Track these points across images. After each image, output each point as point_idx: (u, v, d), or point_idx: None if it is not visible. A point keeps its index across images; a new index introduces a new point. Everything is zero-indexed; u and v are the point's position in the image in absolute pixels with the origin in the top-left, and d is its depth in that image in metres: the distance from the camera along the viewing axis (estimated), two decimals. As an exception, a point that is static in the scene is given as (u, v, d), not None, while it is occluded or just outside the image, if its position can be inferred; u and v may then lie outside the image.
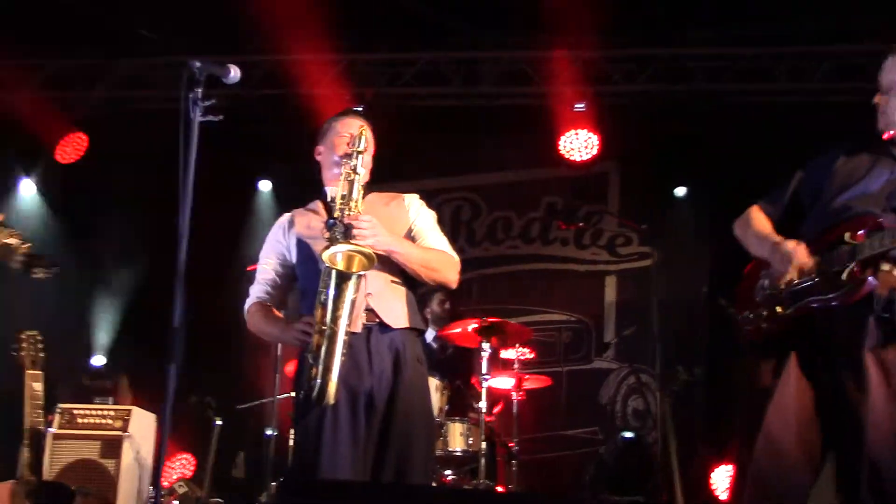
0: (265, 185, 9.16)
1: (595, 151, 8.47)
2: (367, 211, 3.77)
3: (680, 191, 8.65)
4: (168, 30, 8.57)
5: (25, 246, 3.94)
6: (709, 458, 7.47)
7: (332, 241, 3.59)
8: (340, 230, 3.60)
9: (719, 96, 8.05)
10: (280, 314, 3.98)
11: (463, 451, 6.11)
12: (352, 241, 3.58)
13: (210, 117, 3.63)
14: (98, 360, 8.60)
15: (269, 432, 6.54)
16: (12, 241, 3.92)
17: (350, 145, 3.84)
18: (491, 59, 8.50)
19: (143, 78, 8.75)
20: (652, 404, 7.87)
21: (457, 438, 6.12)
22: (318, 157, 4.09)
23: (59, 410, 6.09)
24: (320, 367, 3.54)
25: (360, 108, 4.26)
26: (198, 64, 3.67)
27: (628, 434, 7.57)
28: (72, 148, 8.56)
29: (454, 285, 3.99)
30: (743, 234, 3.73)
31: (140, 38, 8.62)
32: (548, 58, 8.25)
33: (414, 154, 8.53)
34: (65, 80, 8.78)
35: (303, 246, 3.92)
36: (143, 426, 6.09)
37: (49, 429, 5.82)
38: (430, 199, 4.23)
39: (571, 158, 8.52)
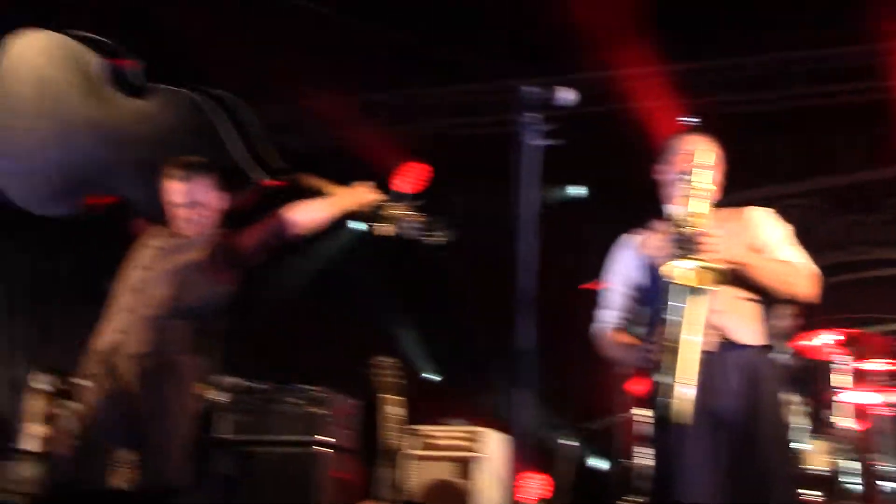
0: (578, 199, 9.02)
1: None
2: (713, 227, 3.67)
3: None
4: (493, 55, 8.84)
5: (416, 215, 4.15)
6: None
7: (678, 257, 3.53)
8: (687, 246, 3.53)
9: None
10: (630, 337, 3.95)
11: (822, 470, 5.80)
12: (700, 257, 3.50)
13: (545, 141, 3.65)
14: (439, 379, 8.91)
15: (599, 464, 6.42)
16: (405, 212, 4.14)
17: (691, 162, 3.77)
18: (824, 57, 8.08)
19: (472, 105, 9.07)
20: None
21: (816, 457, 5.83)
22: (659, 176, 4.03)
23: (413, 433, 6.36)
24: (673, 388, 3.48)
25: (697, 121, 4.15)
26: (531, 89, 3.71)
27: None
28: (412, 178, 8.95)
29: (814, 299, 3.81)
30: None
31: (468, 66, 8.96)
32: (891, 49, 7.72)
33: (748, 161, 8.22)
34: (400, 111, 9.28)
35: (647, 265, 3.88)
36: (496, 447, 6.23)
37: (405, 450, 6.09)
38: (767, 206, 4.06)
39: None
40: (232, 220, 4.61)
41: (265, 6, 8.34)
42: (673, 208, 3.88)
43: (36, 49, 4.67)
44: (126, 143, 4.63)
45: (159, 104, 4.58)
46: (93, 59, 4.60)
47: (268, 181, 4.57)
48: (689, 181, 3.71)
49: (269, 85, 9.10)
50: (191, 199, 4.33)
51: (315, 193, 4.45)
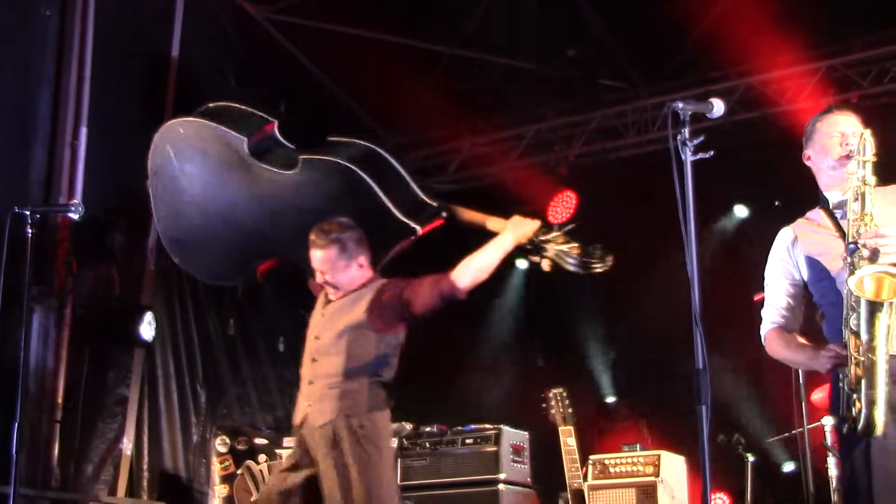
0: (741, 211, 8.93)
1: None
2: (880, 216, 3.48)
3: None
4: (631, 77, 8.86)
5: (576, 245, 4.13)
6: None
7: (855, 266, 3.40)
8: (864, 254, 3.39)
9: None
10: (802, 339, 3.81)
11: None
12: (880, 263, 3.35)
13: (700, 155, 3.63)
14: (613, 401, 8.89)
15: (788, 468, 6.31)
16: (562, 245, 4.13)
17: (843, 145, 3.65)
18: None
19: (615, 128, 9.09)
20: None
21: None
22: (808, 162, 3.84)
23: (591, 462, 6.37)
24: (863, 399, 3.36)
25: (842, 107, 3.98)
26: (681, 105, 3.67)
27: None
28: (562, 207, 9.03)
29: None
30: None
31: (605, 89, 8.99)
32: None
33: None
34: (544, 142, 9.37)
35: (813, 263, 3.69)
36: (673, 470, 6.20)
37: (585, 481, 6.11)
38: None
39: None
40: (395, 265, 4.76)
41: (402, 52, 8.58)
42: (829, 195, 3.73)
43: (190, 137, 4.98)
44: (287, 212, 4.82)
45: (309, 174, 4.72)
46: (239, 138, 4.82)
47: (427, 225, 4.65)
48: (849, 173, 3.56)
49: (416, 128, 9.39)
50: (326, 266, 4.45)
51: (472, 227, 4.50)
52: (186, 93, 7.65)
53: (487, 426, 6.39)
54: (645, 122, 8.91)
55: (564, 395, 5.53)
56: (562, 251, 4.12)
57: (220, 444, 7.16)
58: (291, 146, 4.83)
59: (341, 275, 4.49)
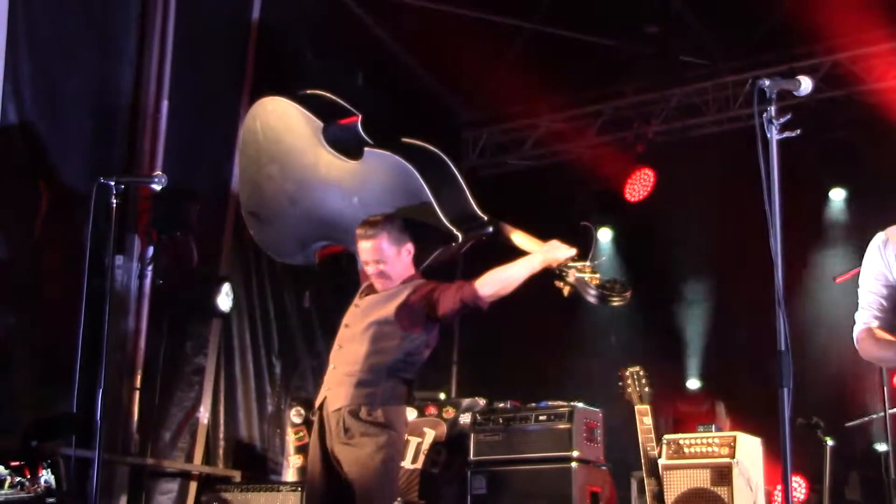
0: (837, 195, 8.64)
1: None
2: None
3: None
4: (712, 53, 8.74)
5: (597, 277, 4.22)
6: None
7: None
8: None
9: None
10: (892, 337, 3.78)
11: None
12: None
13: (787, 134, 3.58)
14: (692, 385, 8.83)
15: (881, 448, 6.25)
16: (585, 274, 4.22)
17: None
18: None
19: (695, 105, 8.98)
20: None
21: None
22: None
23: (665, 441, 6.34)
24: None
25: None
26: (767, 81, 3.62)
27: None
28: (639, 184, 8.96)
29: None
30: None
31: (685, 66, 8.88)
32: None
33: None
34: (622, 119, 9.30)
35: None
36: (749, 452, 6.14)
37: (659, 459, 6.08)
38: None
39: None
40: (434, 273, 4.82)
41: (481, 27, 8.57)
42: None
43: (276, 115, 5.22)
44: (345, 200, 4.97)
45: (375, 166, 4.85)
46: (318, 124, 5.04)
47: (472, 236, 4.72)
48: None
49: (494, 104, 9.39)
50: (378, 255, 4.53)
51: (511, 248, 4.58)
52: (266, 65, 7.73)
53: (561, 403, 6.39)
54: (726, 98, 8.79)
55: (641, 373, 5.50)
56: (583, 280, 4.20)
57: (295, 414, 7.25)
58: (367, 140, 4.95)
59: (394, 263, 4.59)
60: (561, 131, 9.57)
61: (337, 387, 4.52)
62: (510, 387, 7.56)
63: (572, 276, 4.26)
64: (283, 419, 7.68)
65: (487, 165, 9.90)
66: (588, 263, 4.30)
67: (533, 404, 6.55)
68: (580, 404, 6.36)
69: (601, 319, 8.86)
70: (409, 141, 4.89)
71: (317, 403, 4.63)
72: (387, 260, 4.56)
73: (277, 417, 7.90)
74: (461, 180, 4.85)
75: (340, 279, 6.94)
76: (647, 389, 5.46)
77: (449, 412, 6.80)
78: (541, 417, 6.40)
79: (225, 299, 6.86)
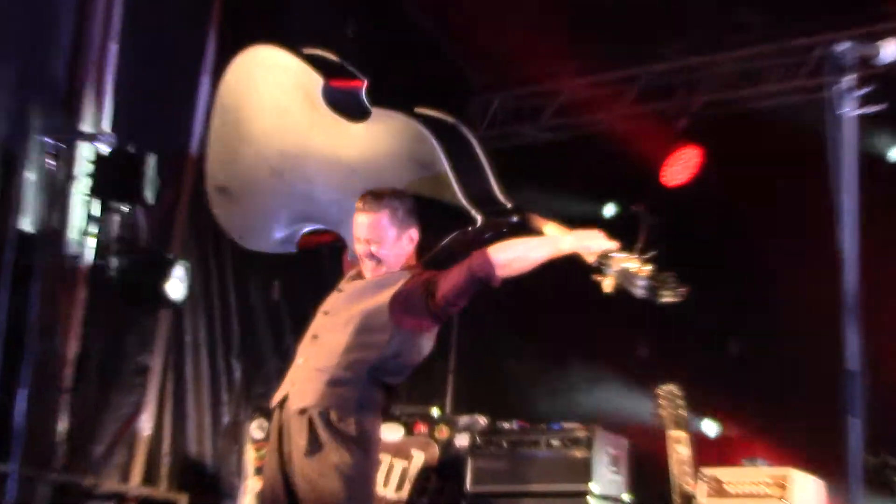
0: None
1: None
2: None
3: None
4: (776, 9, 8.70)
5: (647, 269, 4.19)
6: None
7: None
8: None
9: None
10: None
11: None
12: None
13: (867, 109, 3.55)
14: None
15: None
16: (631, 264, 4.20)
17: None
18: None
19: (752, 71, 8.95)
20: None
21: None
22: None
23: (703, 477, 6.31)
24: None
25: None
26: (844, 46, 3.59)
27: None
28: (682, 166, 8.92)
29: None
30: None
31: (742, 24, 8.84)
32: None
33: None
34: (662, 87, 9.27)
35: None
36: (807, 493, 6.11)
37: (696, 498, 6.05)
38: None
39: None
40: (439, 263, 4.75)
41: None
42: None
43: (264, 69, 5.17)
44: (340, 172, 4.95)
45: (380, 129, 4.83)
46: (318, 81, 4.98)
47: (494, 223, 4.71)
48: None
49: (508, 65, 9.35)
50: (374, 234, 4.52)
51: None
52: (236, 4, 7.69)
53: (578, 425, 6.38)
54: (792, 65, 8.76)
55: (678, 393, 5.48)
56: (629, 272, 4.16)
57: (257, 428, 7.25)
58: (371, 107, 4.92)
59: (390, 246, 4.56)
60: (587, 99, 9.55)
61: (304, 383, 4.46)
62: (517, 403, 7.56)
63: (616, 265, 4.22)
64: (242, 433, 7.68)
65: (497, 137, 9.88)
66: (633, 254, 4.25)
67: (544, 425, 6.56)
68: (603, 429, 6.38)
69: (630, 324, 8.82)
70: (423, 111, 4.85)
71: (274, 401, 4.57)
72: (383, 241, 4.54)
73: (235, 431, 7.90)
74: (484, 159, 4.85)
75: (319, 271, 6.95)
76: (684, 413, 5.44)
77: (442, 431, 6.79)
78: (554, 442, 6.41)
79: (177, 285, 6.83)
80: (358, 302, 4.54)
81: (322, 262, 6.44)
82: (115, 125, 6.79)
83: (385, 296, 4.49)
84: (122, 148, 6.02)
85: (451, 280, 4.38)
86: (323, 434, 4.35)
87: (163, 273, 6.81)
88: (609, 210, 9.31)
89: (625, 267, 4.21)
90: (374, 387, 4.45)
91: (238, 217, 5.36)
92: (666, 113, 9.25)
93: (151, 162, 6.58)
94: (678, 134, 9.05)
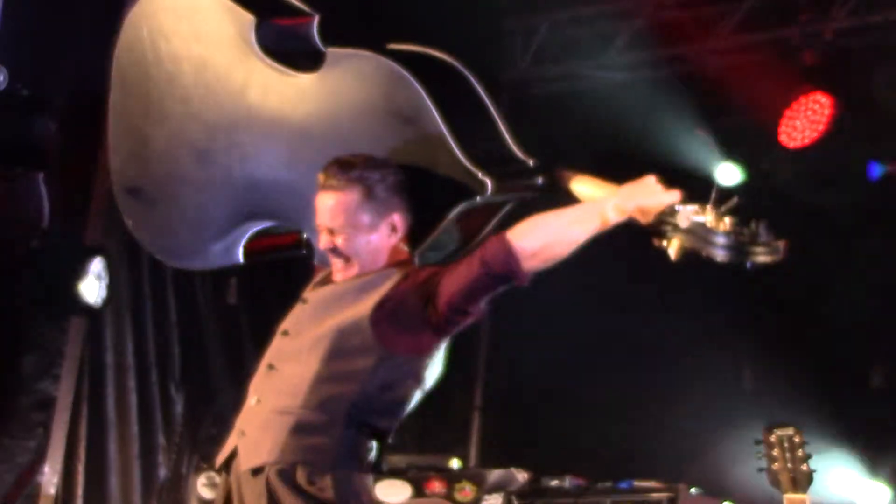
0: None
1: None
2: None
3: None
4: None
5: (728, 221, 4.07)
6: None
7: None
8: None
9: None
10: None
11: None
12: None
13: None
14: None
15: None
16: (705, 217, 4.09)
17: None
18: None
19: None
20: None
21: None
22: None
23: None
24: None
25: None
26: None
27: None
28: (806, 118, 8.88)
29: None
30: None
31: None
32: None
33: None
34: (779, 8, 9.22)
35: None
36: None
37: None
38: None
39: None
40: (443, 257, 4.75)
41: None
42: None
43: (174, 18, 5.11)
44: (300, 141, 4.91)
45: (341, 77, 4.80)
46: (247, 19, 4.93)
47: (511, 188, 4.66)
48: None
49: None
50: (339, 220, 4.50)
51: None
52: None
53: (657, 485, 6.37)
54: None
55: (797, 440, 5.42)
56: (703, 226, 4.05)
57: (206, 484, 7.23)
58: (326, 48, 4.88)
59: (361, 238, 4.51)
60: (673, 24, 9.55)
61: (259, 431, 4.42)
62: (569, 454, 7.55)
63: (684, 220, 4.12)
64: (186, 490, 7.69)
65: (544, 78, 9.88)
66: (708, 204, 4.18)
67: (610, 484, 6.63)
68: (692, 489, 6.41)
69: (725, 344, 8.83)
70: (397, 47, 4.79)
71: (219, 460, 4.54)
72: (349, 232, 4.48)
73: (176, 487, 7.91)
74: (490, 104, 4.76)
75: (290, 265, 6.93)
76: (805, 467, 5.38)
77: (466, 492, 6.82)
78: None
79: (93, 285, 6.82)
80: (328, 316, 4.49)
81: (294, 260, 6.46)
82: (7, 61, 6.76)
83: (365, 306, 4.42)
84: (13, 89, 5.98)
85: (458, 279, 4.28)
86: (287, 501, 4.29)
87: (74, 267, 6.80)
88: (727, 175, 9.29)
89: (697, 222, 4.12)
90: (356, 433, 4.39)
91: (158, 227, 5.33)
92: (785, 44, 9.23)
93: (55, 109, 6.59)
94: (802, 74, 9.03)
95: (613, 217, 4.15)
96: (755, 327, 9.03)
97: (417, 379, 4.46)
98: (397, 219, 4.52)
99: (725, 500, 6.59)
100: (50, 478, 7.31)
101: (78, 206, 7.41)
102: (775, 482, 5.44)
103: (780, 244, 4.07)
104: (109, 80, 5.32)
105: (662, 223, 4.13)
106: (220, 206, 5.11)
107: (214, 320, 8.26)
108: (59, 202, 6.96)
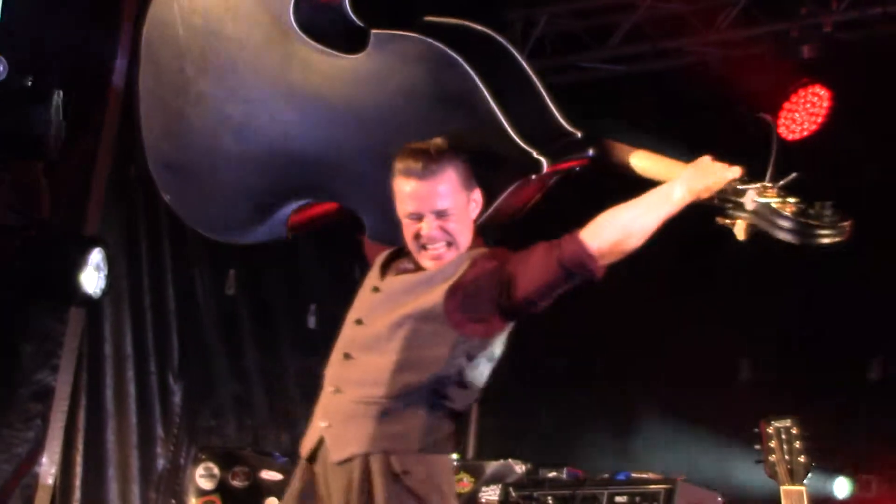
0: None
1: None
2: None
3: None
4: None
5: (793, 201, 4.06)
6: None
7: None
8: None
9: None
10: None
11: None
12: None
13: None
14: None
15: None
16: (770, 199, 4.07)
17: None
18: None
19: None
20: None
21: None
22: None
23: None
24: None
25: None
26: None
27: None
28: (804, 112, 8.90)
29: None
30: None
31: None
32: None
33: None
34: (777, 5, 9.25)
35: None
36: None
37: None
38: None
39: None
40: (505, 229, 4.77)
41: None
42: None
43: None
44: (337, 124, 4.87)
45: (379, 61, 4.74)
46: (282, 4, 4.87)
47: (561, 163, 4.62)
48: None
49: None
50: (440, 205, 4.45)
51: (632, 177, 4.45)
52: None
53: (653, 476, 6.44)
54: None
55: (795, 431, 5.43)
56: (768, 207, 4.05)
57: (204, 475, 7.24)
58: (362, 24, 4.86)
59: (465, 217, 4.53)
60: (671, 17, 9.61)
61: (344, 422, 4.45)
62: (568, 443, 7.55)
63: (750, 202, 4.13)
64: (184, 481, 7.69)
65: (547, 69, 9.85)
66: (773, 185, 4.18)
67: (606, 475, 6.62)
68: (687, 481, 6.39)
69: (731, 329, 8.84)
70: (435, 20, 4.80)
71: (304, 452, 4.55)
72: (457, 213, 4.48)
73: (174, 478, 7.91)
74: (534, 76, 4.76)
75: (289, 255, 6.94)
76: (802, 459, 5.40)
77: (464, 483, 6.85)
78: (619, 498, 6.45)
79: (92, 276, 6.83)
80: (401, 304, 4.51)
81: (294, 244, 6.44)
82: (9, 50, 6.78)
83: (438, 292, 4.45)
84: (13, 80, 5.99)
85: (536, 278, 4.33)
86: (378, 491, 4.34)
87: (73, 258, 6.81)
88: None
89: (762, 203, 4.11)
90: (439, 416, 4.45)
91: (197, 201, 5.28)
92: (783, 37, 9.28)
93: (57, 100, 6.60)
94: (801, 67, 9.06)
95: (683, 200, 4.21)
96: (754, 319, 9.05)
97: (490, 358, 4.51)
98: (477, 194, 4.54)
99: (722, 492, 6.57)
100: (48, 468, 7.32)
101: (77, 196, 7.39)
102: (773, 474, 5.47)
103: (847, 224, 4.08)
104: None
105: (726, 202, 4.16)
106: (260, 180, 5.09)
107: (213, 311, 8.24)
108: (58, 193, 6.99)
